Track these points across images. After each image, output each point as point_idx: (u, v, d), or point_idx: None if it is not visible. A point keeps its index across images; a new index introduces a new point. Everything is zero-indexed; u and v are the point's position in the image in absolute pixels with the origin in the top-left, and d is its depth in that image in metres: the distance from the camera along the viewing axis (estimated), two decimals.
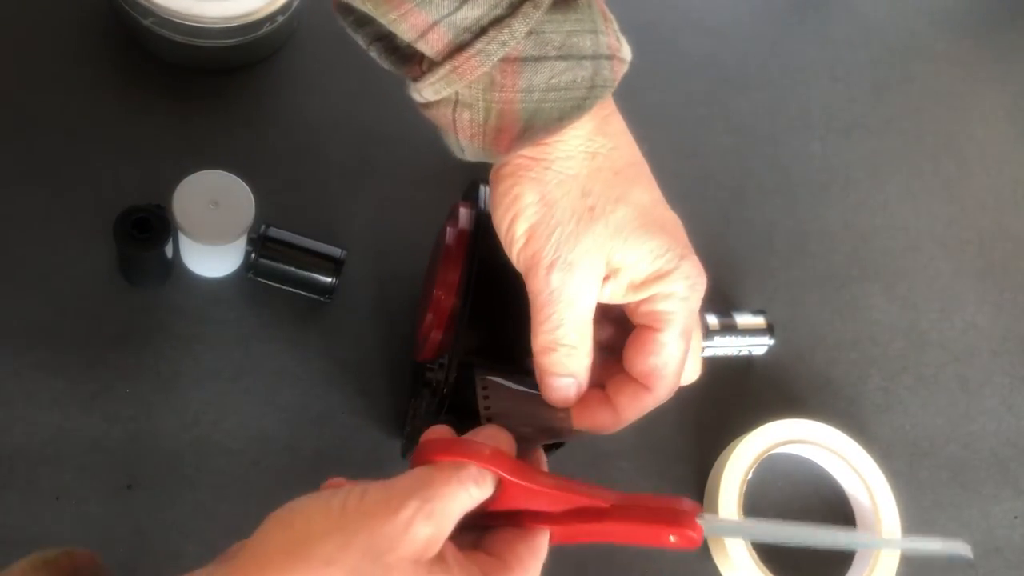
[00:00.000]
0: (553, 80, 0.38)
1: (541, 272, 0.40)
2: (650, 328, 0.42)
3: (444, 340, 0.50)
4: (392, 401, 0.59)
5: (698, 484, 0.62)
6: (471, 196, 0.50)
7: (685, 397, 0.63)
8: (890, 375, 0.69)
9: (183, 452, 0.55)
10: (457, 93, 0.39)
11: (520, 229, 0.40)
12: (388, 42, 0.41)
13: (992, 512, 0.66)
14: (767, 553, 0.59)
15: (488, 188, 0.43)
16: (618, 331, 0.45)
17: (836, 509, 0.64)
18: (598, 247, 0.40)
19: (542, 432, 0.43)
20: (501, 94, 0.38)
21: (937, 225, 0.76)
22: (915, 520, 0.64)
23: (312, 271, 0.58)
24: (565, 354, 0.41)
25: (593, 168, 0.40)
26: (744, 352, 0.65)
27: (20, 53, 0.63)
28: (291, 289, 0.59)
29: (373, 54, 0.42)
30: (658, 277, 0.41)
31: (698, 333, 0.45)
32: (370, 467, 0.57)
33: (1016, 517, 0.67)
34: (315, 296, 0.60)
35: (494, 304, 0.47)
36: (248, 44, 0.64)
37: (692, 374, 0.45)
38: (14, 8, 0.64)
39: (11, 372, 0.55)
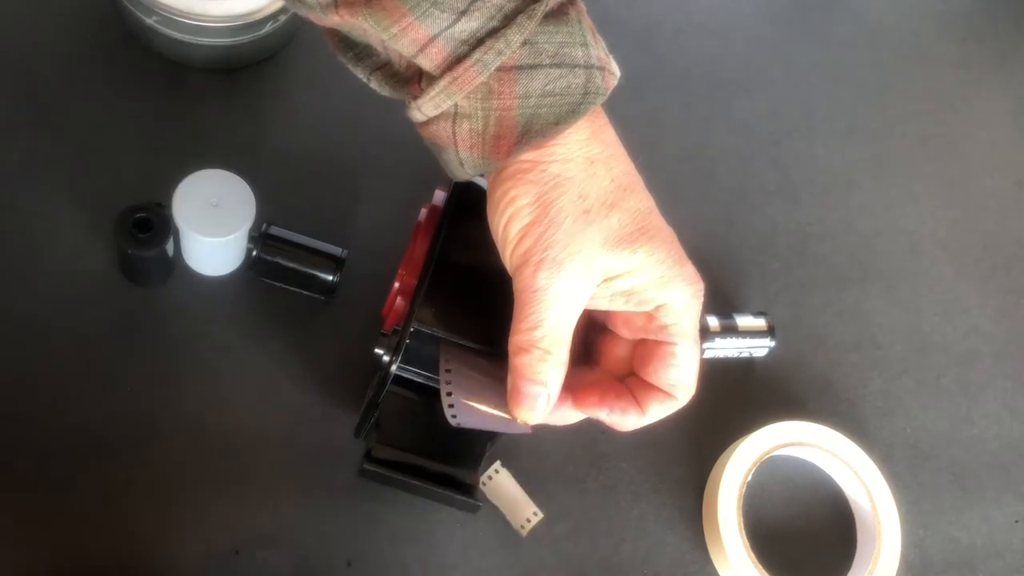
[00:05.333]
0: (548, 86, 0.39)
1: (528, 270, 0.40)
2: (664, 343, 0.43)
3: (403, 316, 0.50)
4: None
5: (698, 485, 0.62)
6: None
7: None
8: (891, 378, 0.69)
9: (183, 450, 0.55)
10: (456, 105, 0.40)
11: (514, 229, 0.41)
12: (388, 69, 0.42)
13: (993, 516, 0.66)
14: (766, 553, 0.59)
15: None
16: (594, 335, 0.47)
17: (836, 512, 0.64)
18: (589, 251, 0.40)
19: (498, 418, 0.44)
20: (499, 101, 0.39)
21: (939, 227, 0.76)
22: (915, 523, 0.64)
23: (313, 270, 0.58)
24: (539, 358, 0.41)
25: (590, 173, 0.41)
26: (745, 354, 0.65)
27: (22, 51, 0.63)
28: (292, 288, 0.60)
29: (374, 84, 0.42)
30: (661, 285, 0.42)
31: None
32: None
33: (1017, 521, 0.66)
34: (316, 295, 0.60)
35: (467, 288, 0.47)
36: (251, 43, 0.64)
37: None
38: (17, 6, 0.64)
39: (11, 370, 0.55)
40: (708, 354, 0.64)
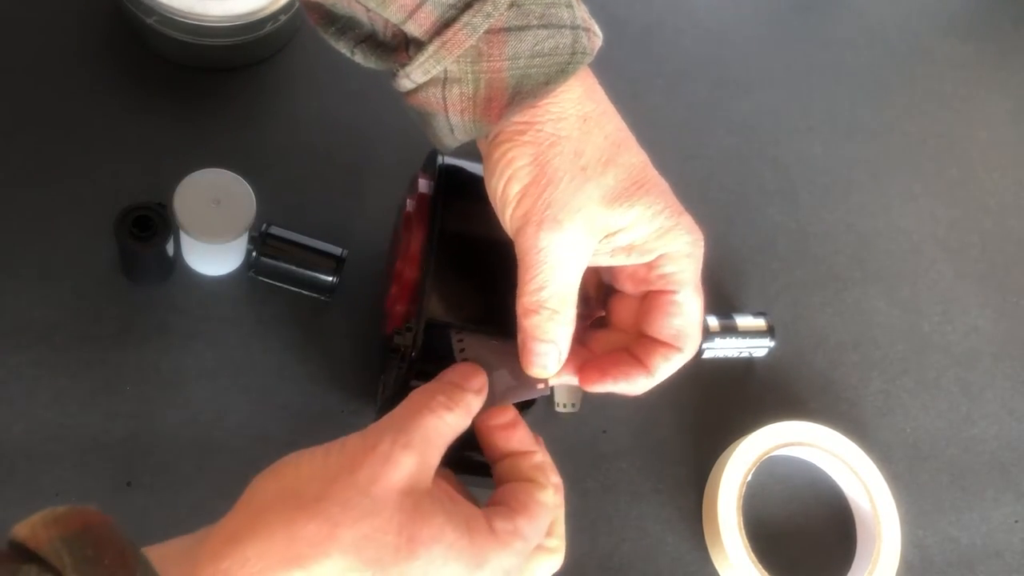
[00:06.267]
0: (537, 47, 0.39)
1: (530, 230, 0.40)
2: (665, 292, 0.43)
3: (410, 310, 0.50)
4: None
5: (698, 485, 0.62)
6: (429, 167, 0.51)
7: (685, 398, 0.64)
8: (891, 378, 0.69)
9: (183, 450, 0.55)
10: (446, 70, 0.40)
11: (513, 190, 0.41)
12: (372, 40, 0.42)
13: (992, 516, 0.66)
14: (766, 553, 0.59)
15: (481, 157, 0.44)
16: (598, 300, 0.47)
17: (836, 512, 0.64)
18: (589, 208, 0.40)
19: (518, 388, 0.44)
20: (489, 63, 0.39)
21: (939, 228, 0.76)
22: (915, 523, 0.64)
23: (313, 270, 0.58)
24: (547, 317, 0.41)
25: (585, 131, 0.41)
26: (745, 354, 0.65)
27: (23, 51, 0.63)
28: (292, 288, 0.60)
29: (358, 58, 0.42)
30: (660, 236, 0.42)
31: None
32: None
33: (1016, 521, 0.66)
34: (316, 295, 0.60)
35: (470, 269, 0.47)
36: (251, 43, 0.64)
37: None
38: (17, 6, 0.64)
39: (12, 369, 0.55)
40: (708, 354, 0.64)
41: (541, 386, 0.44)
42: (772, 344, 0.65)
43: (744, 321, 0.65)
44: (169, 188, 0.55)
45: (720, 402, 0.65)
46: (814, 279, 0.71)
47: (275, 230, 0.58)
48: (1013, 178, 0.80)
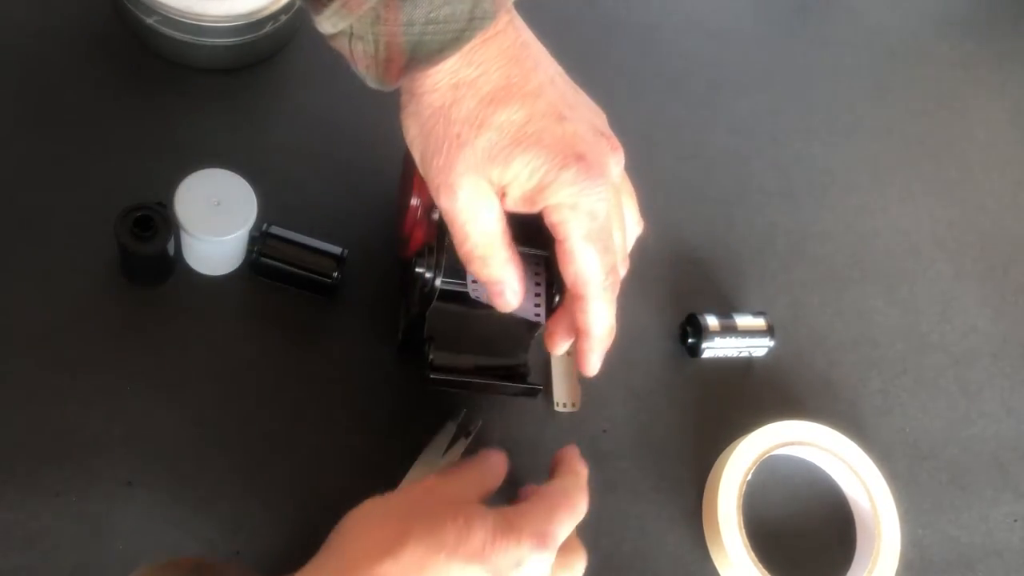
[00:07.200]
0: (432, 14, 0.40)
1: (438, 196, 0.44)
2: (559, 241, 0.45)
3: (427, 235, 0.53)
4: (393, 400, 0.59)
5: (698, 485, 0.62)
6: None
7: (685, 398, 0.64)
8: (890, 377, 0.69)
9: (183, 450, 0.55)
10: (352, 26, 0.41)
11: (417, 160, 0.44)
12: None
13: (991, 515, 0.66)
14: (766, 553, 0.59)
15: None
16: None
17: (835, 511, 0.64)
18: (472, 170, 0.43)
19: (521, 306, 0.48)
20: (386, 27, 0.41)
21: (938, 228, 0.76)
22: (914, 522, 0.64)
23: (314, 269, 0.58)
24: (481, 264, 0.45)
25: (456, 97, 0.42)
26: (744, 353, 0.65)
27: (23, 51, 0.63)
28: (292, 288, 0.60)
29: None
30: (541, 190, 0.44)
31: (631, 203, 0.49)
32: (371, 467, 0.57)
33: (1016, 520, 0.67)
34: (317, 295, 0.60)
35: None
36: (251, 43, 0.64)
37: (635, 230, 0.51)
38: (17, 6, 0.64)
39: (12, 369, 0.55)
40: (708, 354, 0.64)
41: (535, 317, 0.50)
42: (771, 344, 0.65)
43: (743, 321, 0.65)
44: (169, 188, 0.55)
45: (720, 402, 0.65)
46: (813, 279, 0.71)
47: (275, 230, 0.58)
48: (1011, 178, 0.80)
